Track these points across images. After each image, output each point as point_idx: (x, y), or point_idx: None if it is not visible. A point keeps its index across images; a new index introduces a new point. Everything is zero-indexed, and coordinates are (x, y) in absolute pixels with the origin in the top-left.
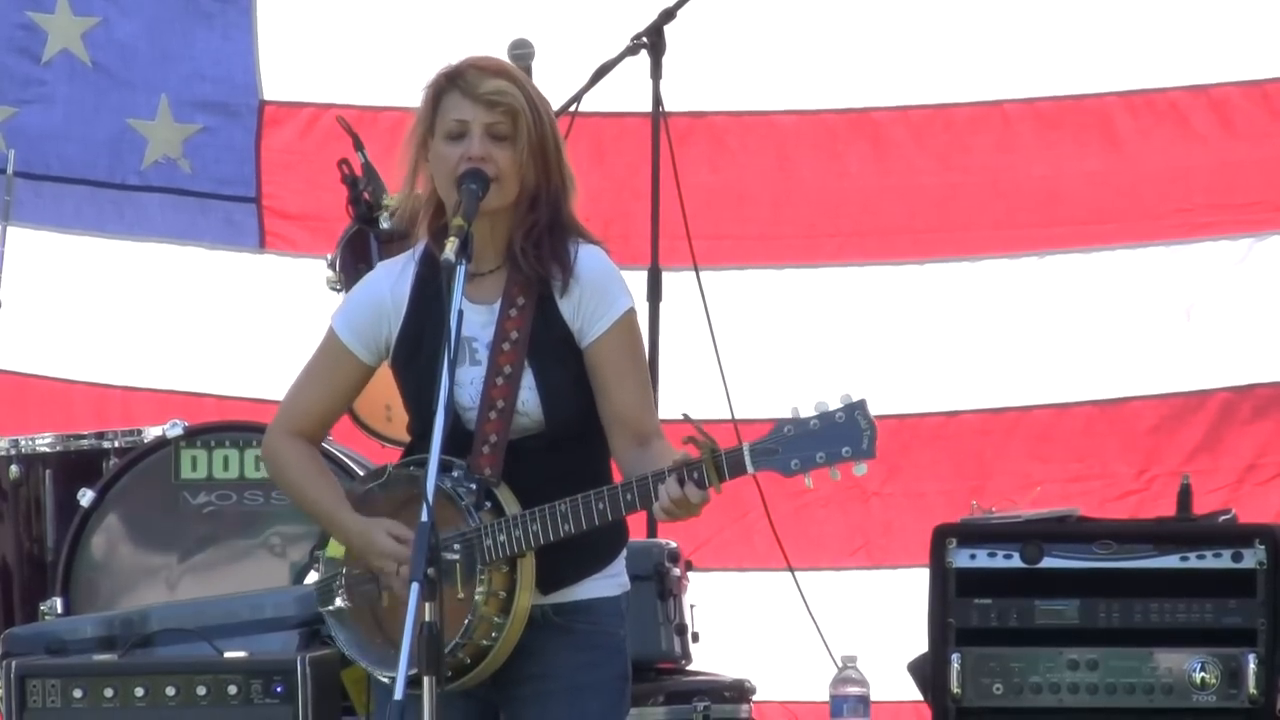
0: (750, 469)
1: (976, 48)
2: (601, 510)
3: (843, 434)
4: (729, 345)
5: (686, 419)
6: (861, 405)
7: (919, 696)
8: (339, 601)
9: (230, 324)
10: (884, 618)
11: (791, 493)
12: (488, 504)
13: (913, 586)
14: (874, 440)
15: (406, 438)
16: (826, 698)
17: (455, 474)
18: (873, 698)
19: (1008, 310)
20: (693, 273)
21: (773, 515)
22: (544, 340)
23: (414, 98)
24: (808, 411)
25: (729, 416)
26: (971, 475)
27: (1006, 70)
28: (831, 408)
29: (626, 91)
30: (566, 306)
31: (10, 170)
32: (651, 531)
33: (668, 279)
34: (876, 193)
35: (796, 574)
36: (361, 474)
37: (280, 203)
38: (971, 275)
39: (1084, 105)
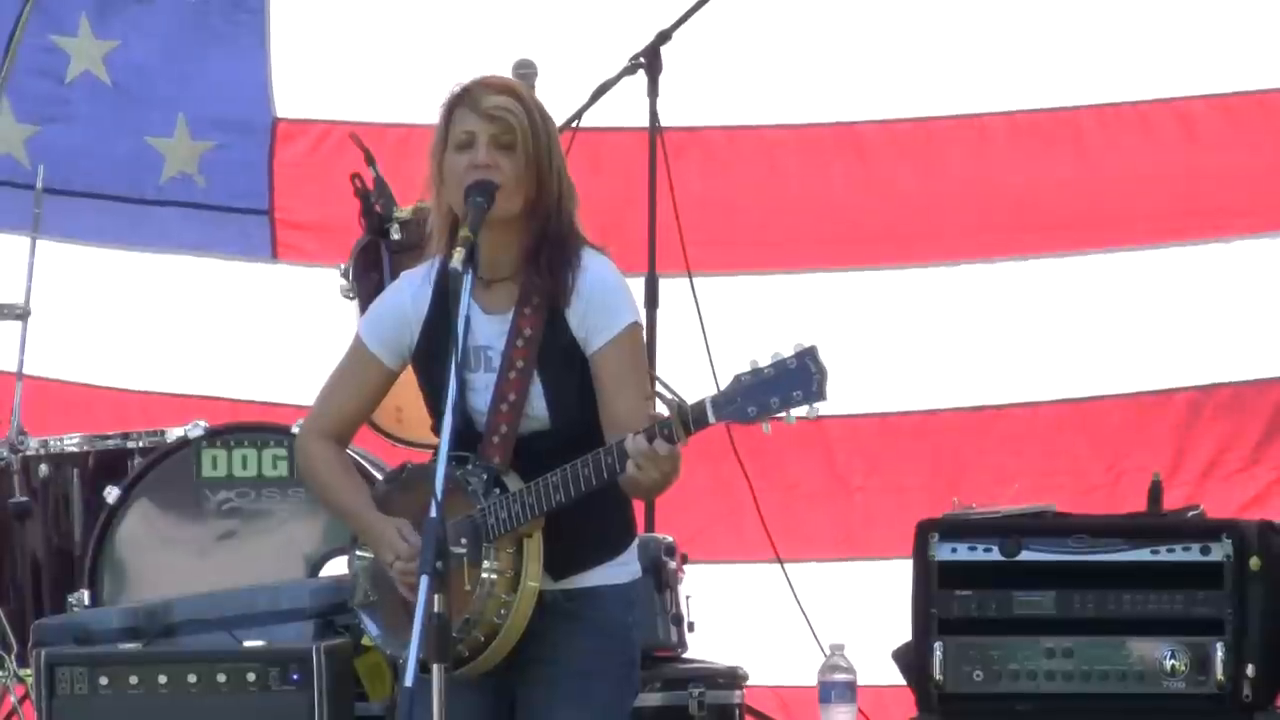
0: (712, 419)
1: (956, 64)
2: (587, 475)
3: (795, 379)
4: (719, 347)
5: (654, 378)
6: (812, 351)
7: (903, 682)
8: (370, 595)
9: (245, 331)
10: (867, 606)
11: (779, 486)
12: (496, 490)
13: (894, 577)
14: (824, 383)
15: (416, 437)
16: (814, 683)
17: (468, 466)
18: (859, 683)
19: (984, 313)
20: (686, 279)
21: (761, 509)
22: (552, 347)
23: (420, 114)
24: (765, 363)
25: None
26: (949, 471)
27: (984, 85)
28: (785, 355)
29: (624, 108)
30: (573, 317)
31: (39, 185)
32: (650, 526)
33: (662, 284)
34: (860, 202)
35: (785, 565)
36: (375, 472)
37: (292, 215)
38: (950, 280)
39: (1057, 117)
